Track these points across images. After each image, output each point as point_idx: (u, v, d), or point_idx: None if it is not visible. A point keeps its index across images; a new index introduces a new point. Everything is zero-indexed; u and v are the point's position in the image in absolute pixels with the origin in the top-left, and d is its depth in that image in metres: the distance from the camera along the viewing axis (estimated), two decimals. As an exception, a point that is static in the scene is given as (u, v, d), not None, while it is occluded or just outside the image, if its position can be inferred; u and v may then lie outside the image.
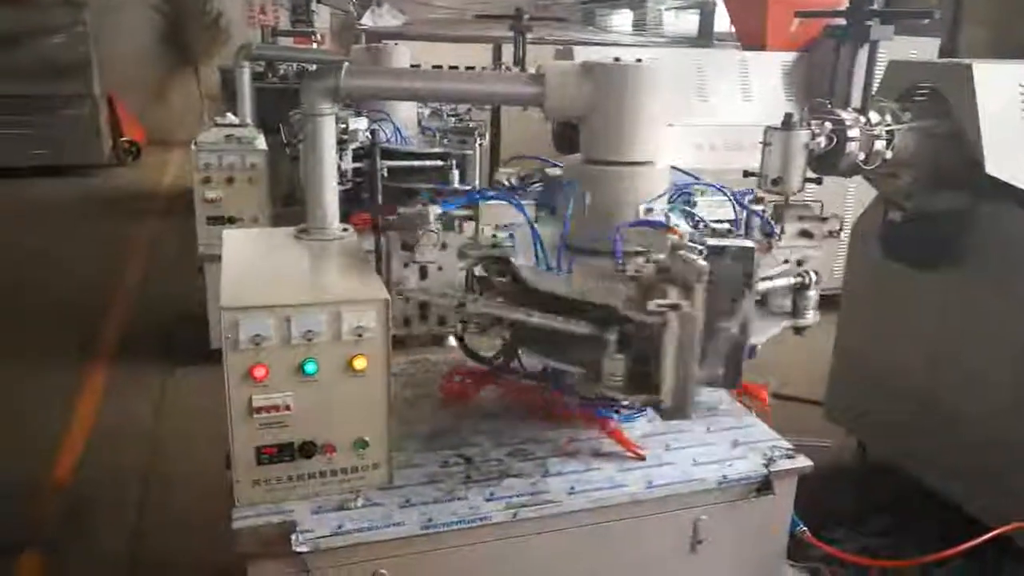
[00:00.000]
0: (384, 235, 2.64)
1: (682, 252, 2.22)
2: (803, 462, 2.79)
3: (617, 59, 2.63)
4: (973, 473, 3.49)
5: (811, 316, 2.73)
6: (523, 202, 2.72)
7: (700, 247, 2.26)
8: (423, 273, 2.59)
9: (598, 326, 2.35)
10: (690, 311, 2.17)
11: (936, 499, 3.70)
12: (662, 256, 2.29)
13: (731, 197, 2.84)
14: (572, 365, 2.50)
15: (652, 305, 2.17)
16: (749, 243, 2.36)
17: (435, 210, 2.58)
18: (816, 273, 2.74)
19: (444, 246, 2.63)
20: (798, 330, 2.80)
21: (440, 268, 2.62)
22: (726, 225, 2.76)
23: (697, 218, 2.83)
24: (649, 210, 2.58)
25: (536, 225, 2.64)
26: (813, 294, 2.72)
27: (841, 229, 2.83)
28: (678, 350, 2.21)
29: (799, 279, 2.73)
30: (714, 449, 2.82)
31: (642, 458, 2.73)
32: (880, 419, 4.02)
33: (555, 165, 3.00)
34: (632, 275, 2.31)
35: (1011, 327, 3.31)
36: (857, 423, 4.27)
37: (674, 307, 2.16)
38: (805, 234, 2.77)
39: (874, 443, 4.28)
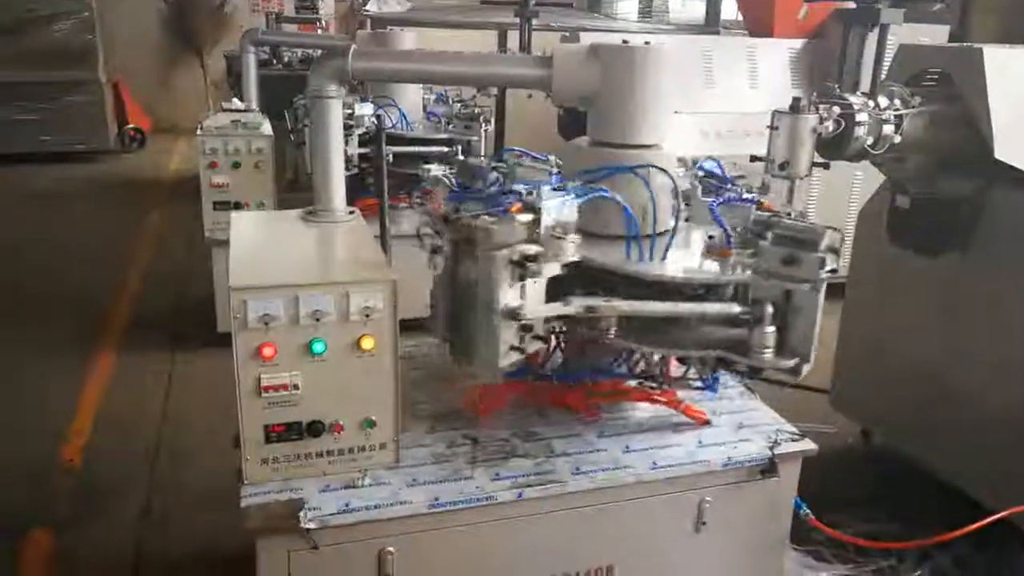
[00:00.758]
0: (484, 257, 2.28)
1: (801, 223, 2.35)
2: (807, 445, 2.80)
3: (625, 41, 2.64)
4: (978, 458, 3.50)
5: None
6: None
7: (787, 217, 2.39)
8: (522, 291, 2.33)
9: (745, 304, 2.43)
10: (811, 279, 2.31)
11: (940, 485, 3.71)
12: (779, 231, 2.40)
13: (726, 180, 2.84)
14: (674, 349, 2.54)
15: (822, 272, 2.28)
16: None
17: (524, 218, 2.32)
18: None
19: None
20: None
21: (535, 282, 2.34)
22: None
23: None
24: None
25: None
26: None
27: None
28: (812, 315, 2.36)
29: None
30: (719, 431, 2.83)
31: (707, 422, 2.80)
32: (885, 405, 4.02)
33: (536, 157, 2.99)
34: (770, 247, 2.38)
35: (1019, 313, 3.30)
36: (862, 409, 4.27)
37: (833, 271, 2.30)
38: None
39: (879, 429, 4.29)
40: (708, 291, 2.53)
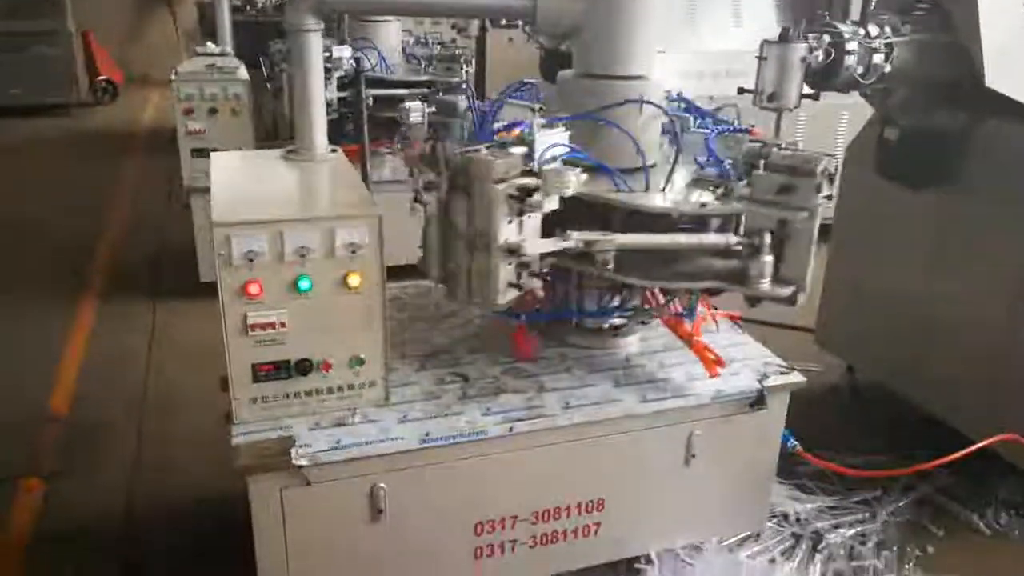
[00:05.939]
0: (483, 191, 2.23)
1: (796, 152, 2.34)
2: (796, 378, 2.82)
3: (610, -32, 2.58)
4: (961, 390, 3.53)
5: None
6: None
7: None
8: (520, 226, 2.28)
9: (746, 234, 2.41)
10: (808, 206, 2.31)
11: (924, 418, 3.75)
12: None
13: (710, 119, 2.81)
14: (679, 281, 2.51)
15: (817, 199, 2.28)
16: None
17: (520, 151, 2.31)
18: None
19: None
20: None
21: (530, 217, 2.30)
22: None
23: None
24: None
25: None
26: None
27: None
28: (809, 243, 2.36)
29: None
30: (709, 365, 2.83)
31: (720, 368, 2.74)
32: (871, 340, 4.04)
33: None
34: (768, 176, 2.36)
35: (1010, 243, 3.30)
36: (848, 346, 4.29)
37: (828, 198, 2.31)
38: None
39: (864, 365, 4.32)
40: (699, 224, 2.52)
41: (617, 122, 2.54)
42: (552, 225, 2.37)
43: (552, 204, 2.31)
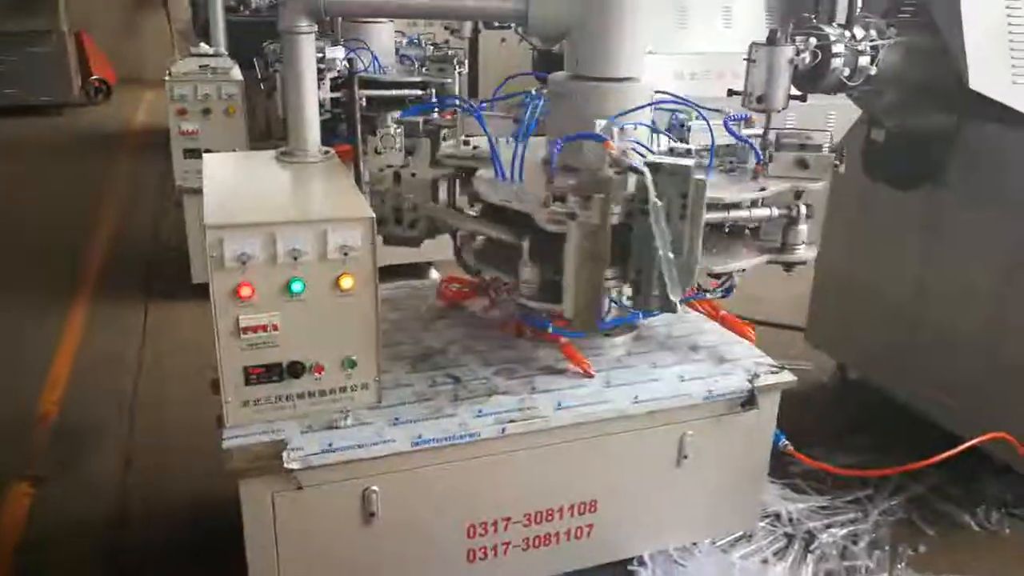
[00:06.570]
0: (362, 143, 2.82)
1: (617, 164, 2.35)
2: (787, 377, 2.83)
3: (601, -29, 2.59)
4: (951, 389, 3.55)
5: (801, 252, 2.75)
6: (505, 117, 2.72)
7: (637, 162, 2.35)
8: (396, 178, 2.73)
9: (515, 234, 2.50)
10: (593, 221, 2.29)
11: (915, 417, 3.77)
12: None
13: (708, 120, 2.84)
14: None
15: (548, 212, 2.32)
16: (687, 162, 2.38)
17: (394, 114, 2.63)
18: (808, 206, 2.74)
19: (409, 152, 2.81)
20: (787, 267, 2.82)
21: (414, 175, 2.81)
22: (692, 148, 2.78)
23: (678, 141, 2.82)
24: (622, 129, 2.55)
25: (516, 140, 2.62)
26: (804, 228, 2.73)
27: (842, 160, 2.77)
28: (581, 259, 2.33)
29: (785, 211, 2.72)
30: (700, 366, 2.85)
31: (590, 375, 2.73)
32: (861, 338, 4.07)
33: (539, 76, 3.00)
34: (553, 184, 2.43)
35: (995, 243, 3.33)
36: (838, 344, 4.32)
37: (571, 215, 2.32)
38: (801, 164, 2.72)
39: (854, 363, 4.34)
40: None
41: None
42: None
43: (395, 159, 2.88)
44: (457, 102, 3.09)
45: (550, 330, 2.73)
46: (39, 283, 5.75)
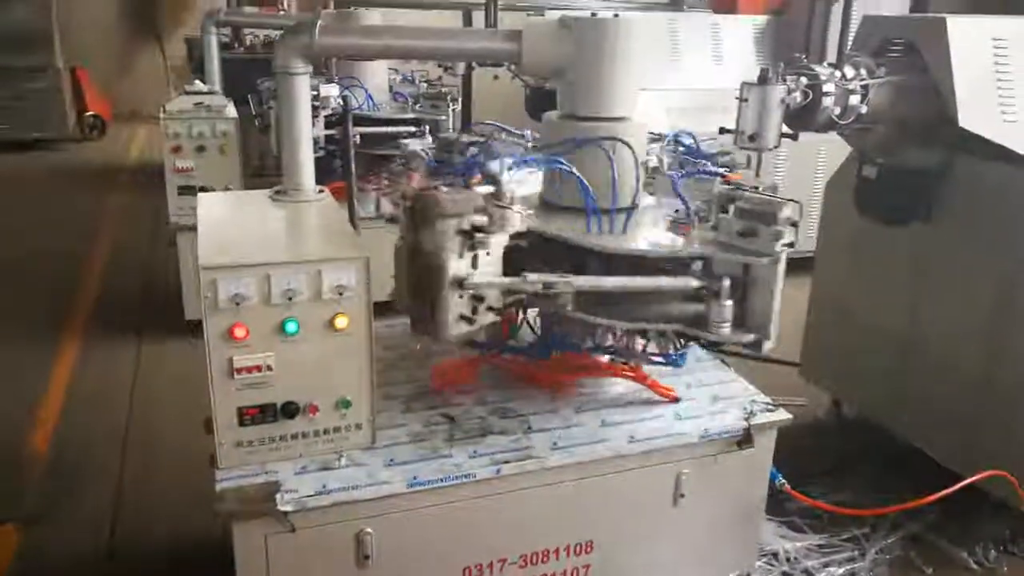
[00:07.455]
0: (439, 222, 2.29)
1: (762, 195, 2.34)
2: (782, 415, 2.83)
3: (594, 14, 2.62)
4: (947, 425, 3.55)
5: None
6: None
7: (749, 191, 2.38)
8: (474, 262, 2.34)
9: (704, 278, 2.41)
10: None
11: (911, 454, 3.75)
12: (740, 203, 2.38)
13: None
14: (633, 323, 2.52)
15: (778, 246, 2.28)
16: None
17: (482, 189, 2.42)
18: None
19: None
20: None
21: (488, 253, 2.36)
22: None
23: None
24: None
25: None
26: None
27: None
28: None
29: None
30: (695, 404, 2.84)
31: (676, 399, 2.81)
32: (856, 374, 4.06)
33: (512, 132, 3.02)
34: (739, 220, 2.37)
35: (986, 280, 3.34)
36: (833, 380, 4.31)
37: (790, 245, 2.31)
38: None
39: (850, 399, 4.33)
40: (676, 266, 2.51)
41: (590, 164, 2.56)
42: (528, 259, 2.43)
43: (501, 241, 2.38)
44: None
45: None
46: (31, 318, 5.72)
